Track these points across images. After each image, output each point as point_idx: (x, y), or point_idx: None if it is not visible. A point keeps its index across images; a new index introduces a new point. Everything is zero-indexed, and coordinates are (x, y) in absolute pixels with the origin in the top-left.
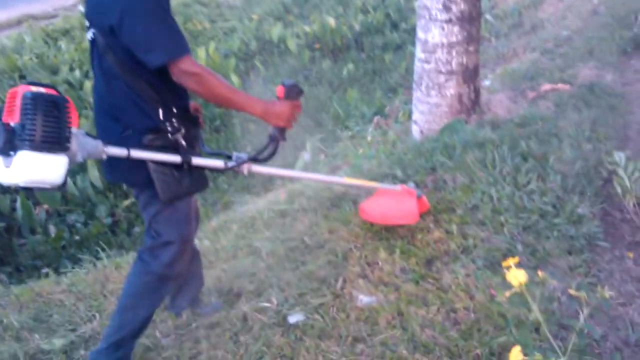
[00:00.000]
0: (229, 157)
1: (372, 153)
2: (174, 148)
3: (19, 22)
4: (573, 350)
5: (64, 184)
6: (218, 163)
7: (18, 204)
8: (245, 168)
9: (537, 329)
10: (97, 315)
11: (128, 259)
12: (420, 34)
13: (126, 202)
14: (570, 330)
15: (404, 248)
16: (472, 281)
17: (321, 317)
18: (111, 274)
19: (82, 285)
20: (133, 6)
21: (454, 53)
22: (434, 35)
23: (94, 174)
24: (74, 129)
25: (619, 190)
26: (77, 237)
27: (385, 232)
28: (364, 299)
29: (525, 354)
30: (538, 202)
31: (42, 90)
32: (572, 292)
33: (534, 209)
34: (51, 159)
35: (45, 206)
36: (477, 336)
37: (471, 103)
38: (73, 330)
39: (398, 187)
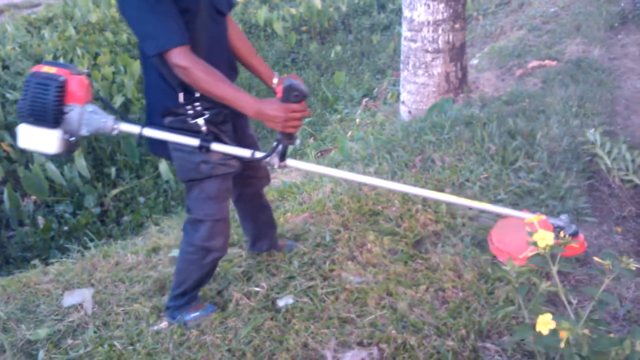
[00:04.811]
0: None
1: (360, 135)
2: (194, 131)
3: (0, 11)
4: (590, 321)
5: (65, 154)
6: (244, 152)
7: (5, 196)
8: (276, 162)
9: (548, 302)
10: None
11: (116, 248)
12: (406, 12)
13: (114, 192)
14: (589, 302)
15: (392, 230)
16: (461, 260)
17: (310, 299)
18: (99, 262)
19: (70, 274)
20: None
21: (440, 31)
22: (420, 13)
23: (81, 164)
24: (76, 106)
25: (602, 167)
26: (65, 228)
27: (374, 215)
28: (353, 280)
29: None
30: (525, 179)
31: (52, 70)
32: (597, 259)
33: (521, 186)
34: (41, 131)
35: (33, 197)
36: (465, 314)
37: (458, 82)
38: (60, 320)
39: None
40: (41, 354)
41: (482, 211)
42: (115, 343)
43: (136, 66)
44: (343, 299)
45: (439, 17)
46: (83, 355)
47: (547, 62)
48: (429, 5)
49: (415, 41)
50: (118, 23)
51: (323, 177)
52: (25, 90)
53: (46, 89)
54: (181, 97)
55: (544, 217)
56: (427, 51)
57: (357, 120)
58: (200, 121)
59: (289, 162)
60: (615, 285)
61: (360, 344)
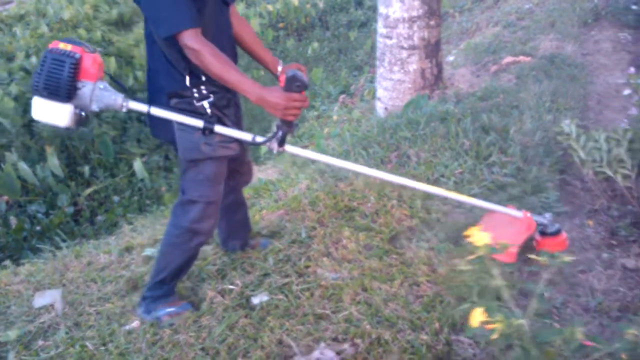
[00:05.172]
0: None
1: (337, 132)
2: (199, 113)
3: None
4: (534, 314)
5: (75, 127)
6: (245, 136)
7: None
8: (275, 147)
9: (498, 298)
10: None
11: (89, 248)
12: (381, 8)
13: (88, 191)
14: (532, 297)
15: (368, 226)
16: (435, 254)
17: (285, 296)
18: (71, 262)
19: (41, 275)
20: None
21: (415, 28)
22: (395, 9)
23: (54, 163)
24: (88, 83)
25: (576, 159)
26: (38, 228)
27: (350, 212)
28: (328, 276)
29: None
30: (499, 174)
31: (68, 47)
32: (533, 256)
33: (495, 181)
34: (54, 105)
35: (5, 197)
36: (439, 308)
37: (434, 78)
38: (31, 321)
39: (520, 213)
40: (11, 355)
41: (461, 203)
42: (87, 344)
43: (111, 63)
44: (318, 295)
45: (414, 13)
46: (54, 356)
47: (521, 58)
48: (404, 2)
49: (390, 38)
50: (92, 20)
51: (299, 174)
52: (42, 66)
53: (62, 65)
54: (187, 80)
55: (529, 214)
56: (402, 48)
57: (334, 117)
58: (206, 104)
59: (288, 148)
60: (587, 278)
61: (335, 339)
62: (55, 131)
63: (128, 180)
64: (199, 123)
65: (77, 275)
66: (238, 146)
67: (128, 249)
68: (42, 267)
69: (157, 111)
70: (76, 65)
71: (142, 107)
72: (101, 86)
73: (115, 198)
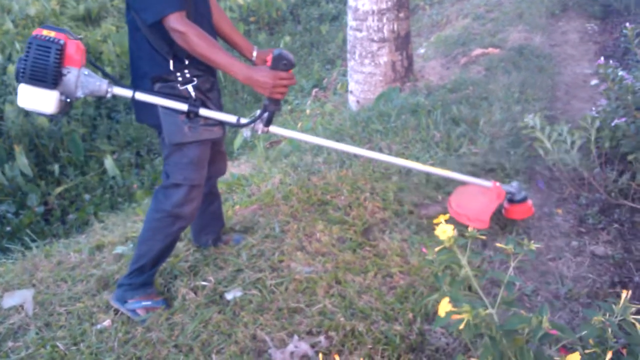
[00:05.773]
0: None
1: (310, 125)
2: (183, 97)
3: None
4: (502, 302)
5: (61, 114)
6: (229, 118)
7: None
8: (259, 127)
9: (469, 287)
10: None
11: (59, 247)
12: (350, 1)
13: (58, 189)
14: (501, 285)
15: (341, 219)
16: (408, 245)
17: (259, 291)
18: (41, 262)
19: (9, 275)
20: None
21: (384, 20)
22: (364, 2)
23: (23, 162)
24: (72, 69)
25: (541, 152)
26: (8, 228)
27: (323, 205)
28: (302, 270)
29: (455, 307)
30: (468, 166)
31: (51, 34)
32: (499, 245)
33: (465, 172)
34: (41, 92)
35: None
36: (412, 299)
37: (404, 70)
38: (1, 322)
39: (489, 183)
40: None
41: (429, 174)
42: (58, 344)
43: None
44: (292, 289)
45: (383, 6)
46: (25, 357)
47: (490, 49)
48: None
49: (360, 30)
50: (58, 16)
51: (272, 169)
52: (27, 52)
53: (47, 51)
54: (171, 64)
55: (498, 184)
56: (372, 40)
57: (307, 111)
58: (190, 87)
59: (272, 128)
60: (556, 266)
61: (309, 332)
62: (23, 129)
63: (99, 178)
64: (183, 107)
65: (47, 275)
66: (221, 129)
67: (99, 248)
68: (11, 268)
69: (141, 96)
70: (61, 51)
71: (126, 93)
72: (86, 72)
73: (87, 196)
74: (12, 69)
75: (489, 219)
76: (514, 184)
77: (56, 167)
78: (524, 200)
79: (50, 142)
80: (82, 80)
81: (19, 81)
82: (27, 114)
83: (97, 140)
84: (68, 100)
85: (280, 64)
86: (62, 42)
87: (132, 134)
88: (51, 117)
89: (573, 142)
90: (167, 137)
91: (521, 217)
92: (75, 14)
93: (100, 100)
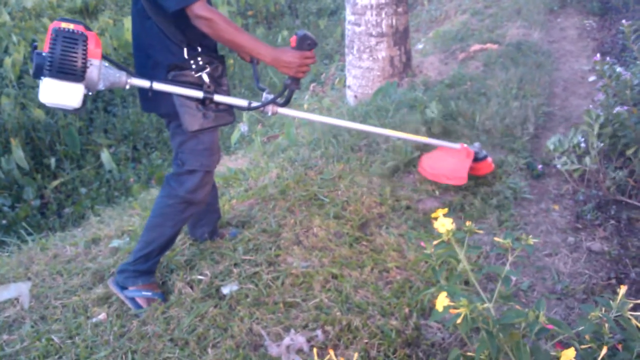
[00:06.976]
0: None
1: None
2: (198, 84)
3: None
4: (499, 297)
5: (83, 108)
6: (242, 102)
7: None
8: (269, 109)
9: (466, 282)
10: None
11: (55, 240)
12: None
13: (55, 183)
14: (498, 280)
15: (338, 213)
16: (404, 241)
17: (255, 285)
18: (36, 255)
19: (5, 269)
20: None
21: (383, 15)
22: None
23: (19, 155)
24: (95, 61)
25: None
26: (4, 222)
27: (320, 200)
28: (298, 264)
29: (452, 301)
30: None
31: (70, 26)
32: (497, 239)
33: None
34: (67, 86)
35: None
36: (408, 293)
37: (403, 65)
38: None
39: (458, 145)
40: None
41: (401, 139)
42: (53, 337)
43: None
44: (288, 284)
45: (382, 0)
46: (19, 350)
47: (488, 45)
48: None
49: (359, 25)
50: (55, 8)
51: (269, 163)
52: (54, 46)
53: (75, 43)
54: (185, 52)
55: (464, 145)
56: (371, 35)
57: (305, 106)
58: (204, 75)
59: (282, 110)
60: (553, 261)
61: (305, 327)
62: (20, 123)
63: (95, 172)
64: (199, 94)
65: (43, 269)
66: (232, 115)
67: (95, 241)
68: (6, 261)
69: (159, 86)
70: (86, 43)
71: (144, 83)
72: (106, 64)
73: (83, 190)
74: (8, 61)
75: (466, 175)
76: (477, 144)
77: (52, 161)
78: (484, 158)
79: (46, 135)
80: (103, 72)
81: (42, 76)
82: (23, 106)
83: (93, 133)
84: (90, 93)
85: (305, 44)
86: (85, 34)
87: (129, 128)
88: (74, 112)
89: (576, 144)
90: (185, 125)
91: (483, 173)
92: (72, 7)
93: (97, 93)
